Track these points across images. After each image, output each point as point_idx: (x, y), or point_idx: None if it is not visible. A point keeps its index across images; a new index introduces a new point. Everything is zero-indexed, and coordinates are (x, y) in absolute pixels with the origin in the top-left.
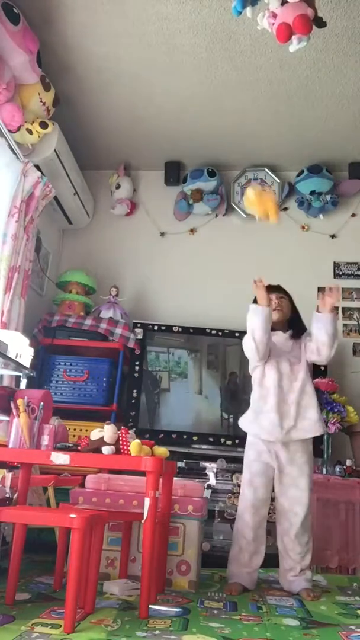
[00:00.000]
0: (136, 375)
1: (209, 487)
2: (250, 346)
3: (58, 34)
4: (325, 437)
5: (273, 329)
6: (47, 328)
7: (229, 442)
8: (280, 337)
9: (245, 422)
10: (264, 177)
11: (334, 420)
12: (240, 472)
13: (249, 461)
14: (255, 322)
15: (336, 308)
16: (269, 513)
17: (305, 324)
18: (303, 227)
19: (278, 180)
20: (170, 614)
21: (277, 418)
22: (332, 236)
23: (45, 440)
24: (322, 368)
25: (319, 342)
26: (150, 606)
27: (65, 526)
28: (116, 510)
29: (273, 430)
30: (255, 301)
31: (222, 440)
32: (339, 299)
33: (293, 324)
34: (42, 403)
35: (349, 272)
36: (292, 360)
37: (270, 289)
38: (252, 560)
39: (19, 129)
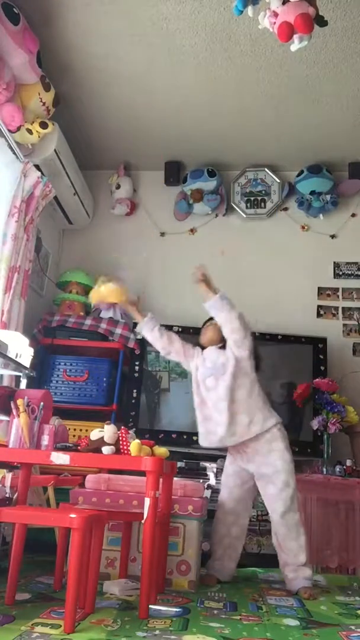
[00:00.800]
0: (136, 375)
1: (209, 487)
2: (247, 329)
3: (58, 34)
4: (325, 437)
5: (203, 347)
6: (47, 328)
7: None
8: (211, 352)
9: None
10: (264, 177)
11: (334, 420)
12: None
13: (225, 464)
14: (238, 312)
15: (209, 287)
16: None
17: (303, 326)
18: (303, 227)
19: (278, 180)
20: (170, 614)
21: (205, 429)
22: (332, 236)
23: (45, 440)
24: (322, 368)
25: (224, 329)
26: (150, 606)
27: (65, 526)
28: (116, 510)
29: (207, 439)
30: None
31: None
32: (203, 274)
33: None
34: (42, 403)
35: (349, 272)
36: (216, 373)
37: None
38: (225, 553)
39: (19, 129)
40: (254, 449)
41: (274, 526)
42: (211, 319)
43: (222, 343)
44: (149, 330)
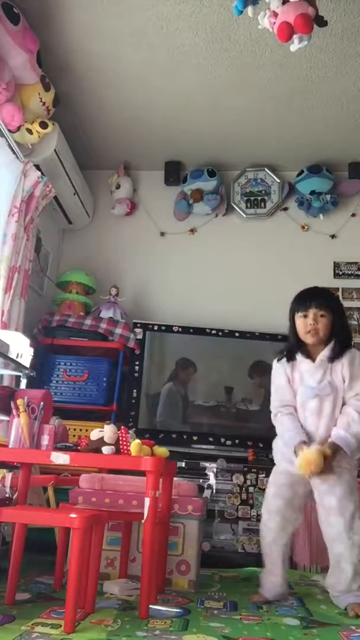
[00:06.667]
0: (136, 375)
1: (209, 487)
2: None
3: (58, 34)
4: None
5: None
6: (47, 328)
7: (229, 442)
8: (309, 366)
9: (277, 454)
10: (264, 177)
11: None
12: (240, 472)
13: (275, 471)
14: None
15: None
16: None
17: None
18: (303, 227)
19: (278, 180)
20: (170, 614)
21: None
22: (332, 236)
23: (45, 440)
24: None
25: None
26: (150, 606)
27: (65, 526)
28: (116, 510)
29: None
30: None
31: (222, 440)
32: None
33: (332, 340)
34: (42, 403)
35: (349, 272)
36: (321, 394)
37: (309, 300)
38: (274, 569)
39: (19, 128)
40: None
41: (327, 544)
42: (310, 306)
43: (326, 354)
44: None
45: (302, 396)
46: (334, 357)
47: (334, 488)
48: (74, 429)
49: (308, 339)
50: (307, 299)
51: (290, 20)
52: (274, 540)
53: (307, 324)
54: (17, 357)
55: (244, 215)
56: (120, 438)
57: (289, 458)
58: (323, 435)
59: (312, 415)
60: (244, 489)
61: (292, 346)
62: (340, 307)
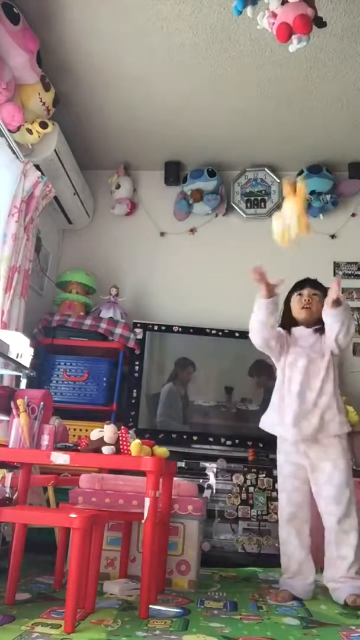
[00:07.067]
0: (136, 375)
1: (209, 487)
2: (252, 339)
3: (58, 34)
4: None
5: (298, 324)
6: (47, 328)
7: (229, 442)
8: (303, 332)
9: (266, 423)
10: (264, 177)
11: None
12: (240, 471)
13: (279, 464)
14: (254, 315)
15: (338, 301)
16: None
17: None
18: None
19: (278, 180)
20: (170, 614)
21: (294, 419)
22: (332, 236)
23: (45, 440)
24: None
25: (332, 330)
26: (150, 606)
27: (65, 526)
28: (116, 510)
29: (291, 430)
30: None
31: (222, 440)
32: (338, 290)
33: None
34: (42, 403)
35: (349, 272)
36: (313, 356)
37: (305, 283)
38: (302, 568)
39: (19, 128)
40: (328, 443)
41: (326, 534)
42: (305, 286)
43: (318, 325)
44: (273, 311)
45: (292, 356)
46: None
47: (332, 477)
48: (74, 429)
49: (302, 314)
50: (303, 282)
51: (290, 21)
52: (299, 543)
53: (302, 301)
54: (17, 357)
55: (244, 215)
56: (120, 438)
57: (281, 420)
58: (311, 396)
59: (300, 375)
60: (244, 489)
61: (285, 324)
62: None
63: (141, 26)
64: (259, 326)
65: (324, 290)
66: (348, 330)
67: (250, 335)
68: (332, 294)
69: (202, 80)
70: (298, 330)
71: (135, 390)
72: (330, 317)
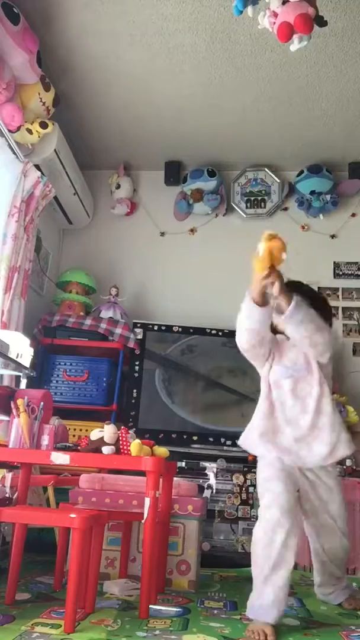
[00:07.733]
0: (136, 375)
1: (209, 487)
2: (239, 343)
3: (58, 34)
4: None
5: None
6: (47, 328)
7: (229, 442)
8: (283, 344)
9: (251, 444)
10: (264, 177)
11: None
12: (240, 472)
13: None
14: (246, 322)
15: (293, 287)
16: None
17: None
18: (303, 227)
19: (278, 180)
20: (170, 614)
21: (289, 442)
22: (332, 236)
23: (45, 440)
24: None
25: (301, 336)
26: (150, 606)
27: (65, 526)
28: (116, 510)
29: (287, 456)
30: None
31: (222, 440)
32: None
33: None
34: (42, 403)
35: (349, 272)
36: (297, 375)
37: (290, 284)
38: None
39: (19, 128)
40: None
41: (315, 557)
42: (294, 287)
43: None
44: (267, 321)
45: (275, 374)
46: None
47: (333, 502)
48: (74, 429)
49: (282, 324)
50: (287, 285)
51: (290, 20)
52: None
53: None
54: (17, 357)
55: (244, 215)
56: (120, 438)
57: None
58: (306, 420)
59: (290, 399)
60: (244, 489)
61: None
62: (318, 298)
63: (141, 26)
64: (250, 335)
65: (309, 294)
66: (317, 328)
67: (237, 338)
68: (275, 290)
69: (202, 80)
70: (280, 339)
71: (135, 390)
72: (289, 325)
